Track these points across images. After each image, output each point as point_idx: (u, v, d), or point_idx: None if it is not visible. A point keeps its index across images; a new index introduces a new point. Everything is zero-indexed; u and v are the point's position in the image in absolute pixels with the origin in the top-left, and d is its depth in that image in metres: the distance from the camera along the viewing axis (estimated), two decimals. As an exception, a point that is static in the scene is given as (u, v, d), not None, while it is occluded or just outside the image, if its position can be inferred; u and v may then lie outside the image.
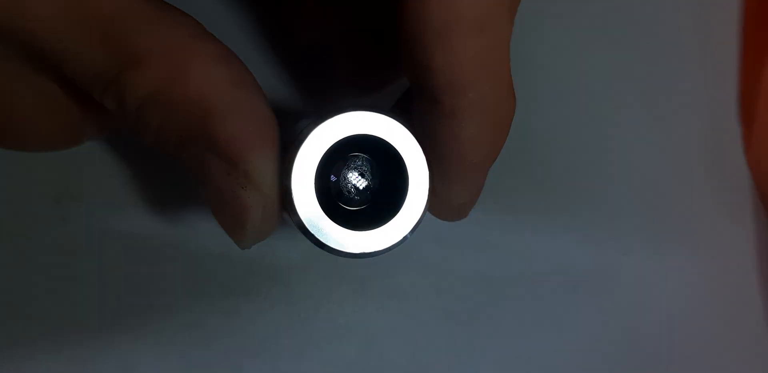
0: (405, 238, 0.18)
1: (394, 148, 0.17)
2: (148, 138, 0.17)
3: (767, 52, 0.27)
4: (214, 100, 0.16)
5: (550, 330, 0.27)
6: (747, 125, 0.29)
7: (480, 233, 0.26)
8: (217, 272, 0.25)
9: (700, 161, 0.29)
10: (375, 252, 0.18)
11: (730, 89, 0.28)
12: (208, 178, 0.17)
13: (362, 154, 0.19)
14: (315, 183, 0.17)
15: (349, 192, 0.19)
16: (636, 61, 0.28)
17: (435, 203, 0.19)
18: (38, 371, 0.24)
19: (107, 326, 0.24)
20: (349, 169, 0.19)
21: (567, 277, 0.27)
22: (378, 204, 0.19)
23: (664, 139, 0.28)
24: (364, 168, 0.19)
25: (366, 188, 0.19)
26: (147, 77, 0.16)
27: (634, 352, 0.28)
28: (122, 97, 0.16)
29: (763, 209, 0.29)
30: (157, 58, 0.16)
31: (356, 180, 0.19)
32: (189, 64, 0.16)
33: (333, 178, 0.19)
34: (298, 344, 0.25)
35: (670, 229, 0.28)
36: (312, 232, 0.17)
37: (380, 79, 0.23)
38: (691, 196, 0.29)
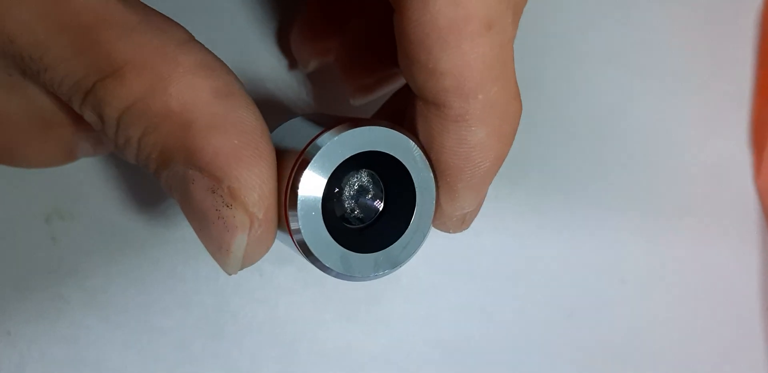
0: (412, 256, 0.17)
1: (402, 165, 0.16)
2: (130, 153, 0.16)
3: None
4: (196, 112, 0.15)
5: (542, 356, 0.27)
6: (758, 151, 0.28)
7: (470, 257, 0.26)
8: (203, 294, 0.25)
9: (707, 188, 0.28)
10: (378, 275, 0.17)
11: (742, 115, 0.27)
12: (191, 197, 0.15)
13: (369, 170, 0.18)
14: (320, 201, 0.16)
15: (353, 210, 0.17)
16: (650, 85, 0.27)
17: (439, 215, 0.18)
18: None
19: (94, 344, 0.25)
20: (355, 186, 0.17)
21: (559, 305, 0.27)
22: (383, 223, 0.18)
23: (669, 164, 0.28)
24: (370, 185, 0.18)
25: (372, 207, 0.18)
26: (126, 87, 0.15)
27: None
28: (101, 108, 0.15)
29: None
30: (137, 68, 0.15)
31: (362, 198, 0.18)
32: (171, 73, 0.15)
33: (337, 195, 0.17)
34: (282, 368, 0.25)
35: (672, 254, 0.28)
36: (315, 254, 0.16)
37: (377, 80, 0.22)
38: (697, 220, 0.28)
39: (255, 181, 0.15)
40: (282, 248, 0.25)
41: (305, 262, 0.25)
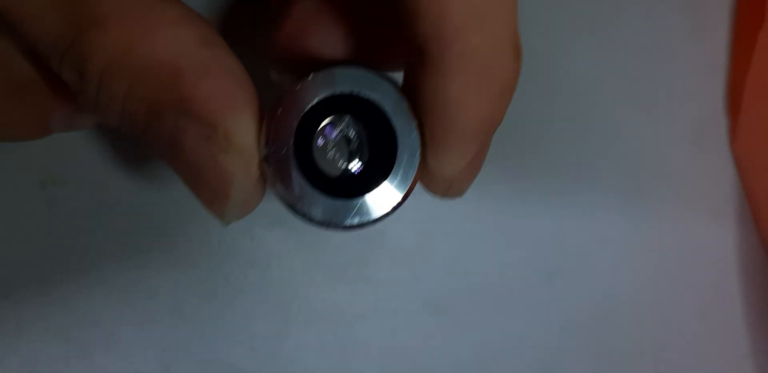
0: (397, 206, 0.16)
1: (383, 108, 0.16)
2: (114, 113, 0.16)
3: (756, 43, 0.27)
4: (184, 61, 0.15)
5: (524, 317, 0.28)
6: (734, 116, 0.28)
7: (455, 220, 0.27)
8: (196, 256, 0.26)
9: (685, 150, 0.29)
10: (365, 222, 0.16)
11: (718, 80, 0.28)
12: (184, 148, 0.15)
13: (348, 115, 0.17)
14: (297, 149, 0.16)
15: (334, 158, 0.17)
16: (625, 50, 0.28)
17: (425, 172, 0.17)
18: (26, 348, 0.25)
19: (91, 306, 0.25)
20: (335, 132, 0.17)
21: (542, 264, 0.28)
22: (366, 170, 0.17)
23: (649, 130, 0.28)
24: (350, 130, 0.17)
25: (353, 153, 0.17)
26: (109, 39, 0.15)
27: (609, 338, 0.28)
28: (82, 63, 0.15)
29: (747, 199, 0.29)
30: (119, 19, 0.15)
31: (342, 144, 0.17)
32: (155, 24, 0.15)
33: (317, 142, 0.17)
34: (274, 328, 0.26)
35: (650, 217, 0.29)
36: (296, 203, 0.16)
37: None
38: (675, 186, 0.29)
39: (249, 125, 0.15)
40: (272, 211, 0.26)
41: (295, 225, 0.26)
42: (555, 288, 0.28)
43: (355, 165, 0.17)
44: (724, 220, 0.29)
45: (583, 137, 0.28)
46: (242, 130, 0.15)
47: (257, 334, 0.26)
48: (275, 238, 0.26)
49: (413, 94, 0.16)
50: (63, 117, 0.20)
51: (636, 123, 0.28)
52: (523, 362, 0.28)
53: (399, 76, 0.18)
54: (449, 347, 0.27)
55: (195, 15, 0.16)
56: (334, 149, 0.17)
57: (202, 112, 0.15)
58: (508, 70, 0.16)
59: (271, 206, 0.25)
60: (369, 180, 0.16)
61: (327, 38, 0.18)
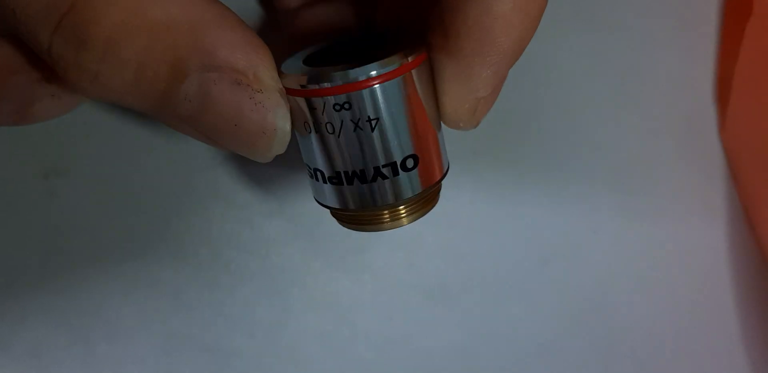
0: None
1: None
2: (122, 81, 0.15)
3: (744, 34, 0.27)
4: (198, 16, 0.15)
5: (519, 303, 0.28)
6: (722, 106, 0.29)
7: (451, 208, 0.27)
8: (197, 245, 0.26)
9: (675, 140, 0.29)
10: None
11: (707, 72, 0.29)
12: (217, 98, 0.15)
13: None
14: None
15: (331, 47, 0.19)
16: (615, 42, 0.28)
17: (455, 96, 0.18)
18: (29, 336, 0.25)
19: (93, 295, 0.26)
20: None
21: (537, 252, 0.28)
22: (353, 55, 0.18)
23: (639, 118, 0.29)
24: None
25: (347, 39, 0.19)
26: (115, 1, 0.14)
27: (602, 324, 0.29)
28: (83, 30, 0.14)
29: (735, 187, 0.29)
30: None
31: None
32: None
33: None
34: (274, 315, 0.27)
35: (641, 206, 0.29)
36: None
37: None
38: (666, 175, 0.29)
39: (271, 63, 0.16)
40: (271, 201, 0.26)
41: (294, 215, 0.26)
42: (549, 275, 0.28)
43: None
44: (714, 208, 0.30)
45: (576, 129, 0.28)
46: (268, 69, 0.16)
47: (257, 321, 0.26)
48: (274, 227, 0.26)
49: (452, 10, 0.17)
50: (45, 100, 0.19)
51: (627, 114, 0.28)
52: (519, 347, 0.28)
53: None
54: (446, 334, 0.28)
55: None
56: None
57: (230, 60, 0.15)
58: None
59: (270, 195, 0.26)
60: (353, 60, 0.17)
61: None
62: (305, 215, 0.26)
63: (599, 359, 0.29)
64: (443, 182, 0.19)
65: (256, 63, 0.15)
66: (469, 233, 0.28)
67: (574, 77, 0.28)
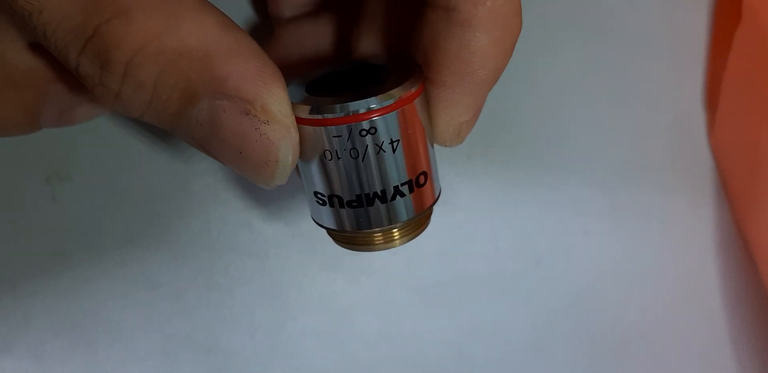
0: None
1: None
2: (140, 101, 0.16)
3: (733, 40, 0.27)
4: (212, 44, 0.16)
5: (513, 302, 0.29)
6: (711, 111, 0.29)
7: (447, 210, 0.28)
8: (197, 247, 0.26)
9: (665, 143, 0.30)
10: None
11: (697, 76, 0.29)
12: (225, 126, 0.16)
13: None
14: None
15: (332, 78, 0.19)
16: (606, 47, 0.29)
17: (436, 123, 0.19)
18: (32, 337, 0.26)
19: (95, 297, 0.26)
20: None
21: (529, 253, 0.29)
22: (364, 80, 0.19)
23: (630, 122, 0.29)
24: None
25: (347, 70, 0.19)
26: (136, 28, 0.15)
27: (594, 324, 0.30)
28: (107, 52, 0.15)
29: (724, 191, 0.30)
30: (145, 8, 0.15)
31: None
32: (179, 11, 0.15)
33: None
34: (273, 316, 0.27)
35: (632, 208, 0.30)
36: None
37: None
38: (655, 178, 0.30)
39: (282, 95, 0.16)
40: (270, 203, 0.27)
41: (292, 217, 0.27)
42: (541, 275, 0.29)
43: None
44: (703, 210, 0.30)
45: (568, 132, 0.29)
46: (277, 102, 0.16)
47: (256, 322, 0.27)
48: (273, 229, 0.27)
49: (432, 43, 0.18)
50: (53, 111, 0.20)
51: (618, 118, 0.29)
52: (512, 346, 0.29)
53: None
54: (442, 334, 0.28)
55: (207, 2, 0.16)
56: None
57: (239, 90, 0.16)
58: (518, 25, 0.18)
59: (269, 198, 0.26)
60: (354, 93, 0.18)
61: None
62: (303, 217, 0.27)
63: (591, 357, 0.30)
64: None
65: (265, 95, 0.16)
66: (463, 234, 0.28)
67: (566, 82, 0.28)
